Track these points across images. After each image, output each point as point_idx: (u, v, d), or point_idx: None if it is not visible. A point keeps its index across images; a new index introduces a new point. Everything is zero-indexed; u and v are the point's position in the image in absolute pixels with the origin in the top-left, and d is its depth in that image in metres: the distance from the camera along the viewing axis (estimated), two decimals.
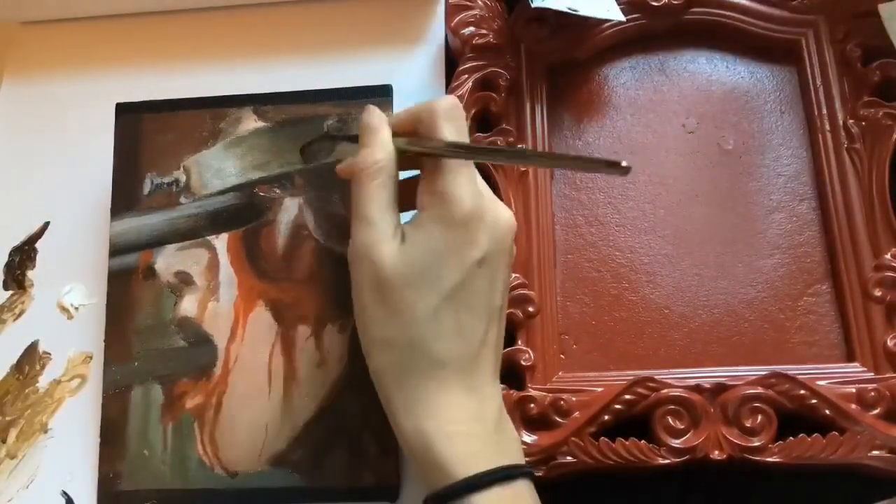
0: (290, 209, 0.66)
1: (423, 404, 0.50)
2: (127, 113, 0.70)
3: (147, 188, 0.68)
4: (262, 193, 0.66)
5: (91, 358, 0.67)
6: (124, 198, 0.68)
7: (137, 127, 0.69)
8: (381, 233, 0.51)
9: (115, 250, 0.67)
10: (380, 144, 0.54)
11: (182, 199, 0.67)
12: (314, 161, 0.66)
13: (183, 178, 0.67)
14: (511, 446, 0.52)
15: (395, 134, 0.55)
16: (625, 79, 0.71)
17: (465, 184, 0.51)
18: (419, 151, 0.53)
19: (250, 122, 0.68)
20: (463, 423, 0.50)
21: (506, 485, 0.49)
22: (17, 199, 0.73)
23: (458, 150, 0.51)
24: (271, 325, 0.64)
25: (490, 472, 0.48)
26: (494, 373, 0.54)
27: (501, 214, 0.53)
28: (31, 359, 0.68)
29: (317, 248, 0.65)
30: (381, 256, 0.51)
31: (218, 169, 0.67)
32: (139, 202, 0.67)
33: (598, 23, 0.70)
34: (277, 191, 0.66)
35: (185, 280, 0.65)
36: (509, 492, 0.49)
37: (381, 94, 0.67)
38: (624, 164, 0.45)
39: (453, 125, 0.53)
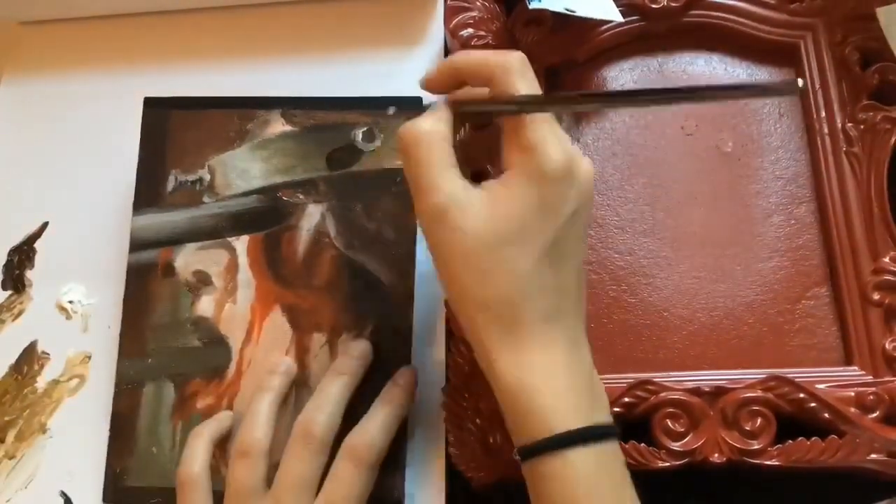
0: (312, 215, 0.66)
1: (528, 359, 0.50)
2: (154, 108, 0.70)
3: (171, 185, 0.68)
4: (285, 198, 0.66)
5: (90, 358, 0.68)
6: (147, 193, 0.68)
7: (164, 123, 0.69)
8: (449, 195, 0.51)
9: (135, 246, 0.67)
10: (431, 113, 0.54)
11: (205, 199, 0.67)
12: (340, 169, 0.66)
13: (207, 178, 0.67)
14: (602, 401, 0.52)
15: (462, 85, 0.55)
16: (623, 80, 0.71)
17: (554, 137, 0.51)
18: (504, 111, 0.52)
19: (278, 126, 0.68)
20: (565, 376, 0.50)
21: (599, 444, 0.49)
22: (15, 199, 0.73)
23: (558, 100, 0.51)
24: (286, 330, 0.64)
25: (587, 430, 0.49)
26: (584, 324, 0.53)
27: (585, 166, 0.53)
28: (29, 359, 0.68)
29: (337, 257, 0.65)
30: (460, 220, 0.50)
31: (243, 170, 0.67)
32: (162, 199, 0.67)
33: (596, 24, 0.70)
34: (301, 196, 0.66)
35: (203, 280, 0.66)
36: (601, 450, 0.49)
37: (411, 105, 0.67)
38: (800, 82, 0.43)
39: (528, 79, 0.52)
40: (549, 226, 0.50)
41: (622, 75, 0.71)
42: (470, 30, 0.69)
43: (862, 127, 0.65)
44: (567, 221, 0.51)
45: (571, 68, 0.71)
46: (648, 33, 0.71)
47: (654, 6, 0.69)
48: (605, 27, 0.70)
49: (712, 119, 0.69)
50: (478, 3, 0.70)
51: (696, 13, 0.70)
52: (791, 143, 0.67)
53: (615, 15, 0.68)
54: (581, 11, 0.67)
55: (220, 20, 0.77)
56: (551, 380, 0.50)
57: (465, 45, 0.69)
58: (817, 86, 0.67)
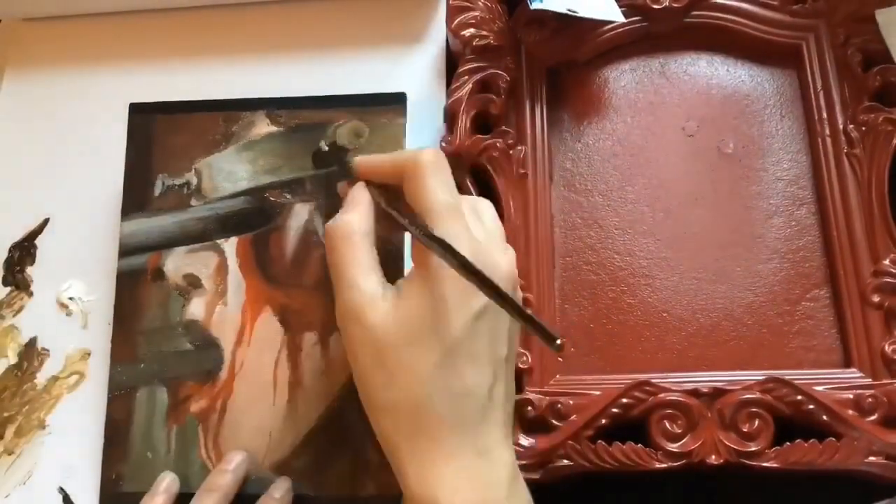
0: (300, 215, 0.66)
1: (434, 471, 0.49)
2: (140, 113, 0.70)
3: (158, 189, 0.68)
4: (272, 198, 0.66)
5: (89, 354, 0.68)
6: (135, 198, 0.68)
7: (150, 128, 0.69)
8: (366, 294, 0.51)
9: (125, 251, 0.67)
10: (356, 207, 0.54)
11: (193, 202, 0.67)
12: (326, 167, 0.66)
13: (194, 181, 0.67)
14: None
15: (380, 185, 0.56)
16: (625, 81, 0.71)
17: (460, 233, 0.50)
18: (399, 223, 0.53)
19: (263, 126, 0.68)
20: (474, 490, 0.48)
21: None
22: (17, 196, 0.73)
23: (433, 243, 0.50)
24: (278, 331, 0.64)
25: None
26: (505, 430, 0.52)
27: (499, 261, 0.52)
28: (29, 355, 0.68)
29: (326, 255, 0.65)
30: (371, 318, 0.50)
31: (229, 172, 0.67)
32: (150, 203, 0.67)
33: (598, 24, 0.70)
34: (288, 196, 0.66)
35: (193, 283, 0.65)
36: None
37: (395, 102, 0.67)
38: (559, 341, 0.45)
39: (439, 179, 0.52)
40: (451, 326, 0.49)
41: (623, 76, 0.71)
42: (472, 30, 0.69)
43: (863, 128, 0.64)
44: (473, 320, 0.50)
45: (573, 69, 0.71)
46: (650, 34, 0.71)
47: (655, 7, 0.69)
48: (606, 28, 0.70)
49: (713, 120, 0.68)
50: (480, 3, 0.70)
51: (698, 14, 0.70)
52: (792, 144, 0.67)
53: (617, 16, 0.68)
54: (583, 12, 0.67)
55: (225, 18, 0.77)
56: (456, 494, 0.48)
57: (467, 44, 0.69)
58: (819, 87, 0.67)
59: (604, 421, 0.59)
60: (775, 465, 0.56)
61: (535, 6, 0.67)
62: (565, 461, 0.58)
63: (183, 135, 0.68)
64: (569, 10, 0.66)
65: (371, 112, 0.67)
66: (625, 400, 0.59)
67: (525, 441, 0.59)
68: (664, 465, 0.57)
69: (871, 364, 0.59)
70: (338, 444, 0.61)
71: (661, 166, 0.68)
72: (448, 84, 0.70)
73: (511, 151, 0.66)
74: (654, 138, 0.69)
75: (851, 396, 0.58)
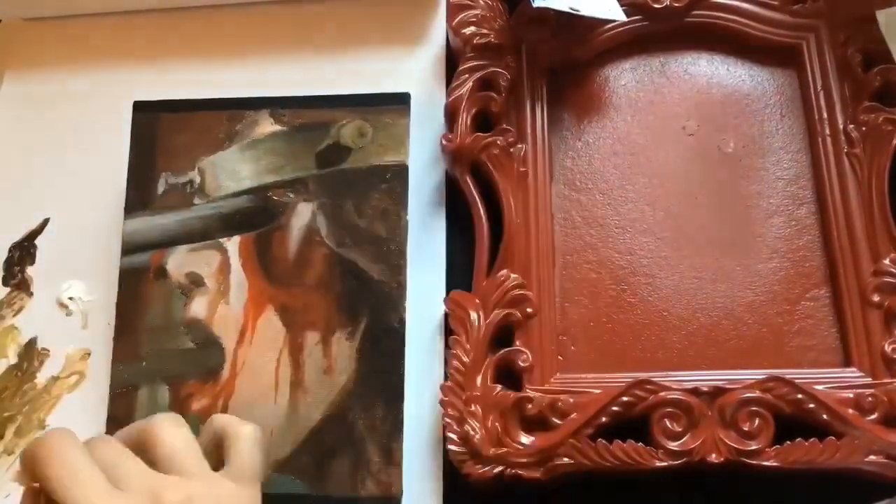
0: (302, 214, 0.66)
1: None
2: (143, 112, 0.70)
3: (161, 188, 0.68)
4: (275, 197, 0.66)
5: (89, 354, 0.68)
6: (138, 196, 0.68)
7: (153, 126, 0.69)
8: None
9: (127, 249, 0.67)
10: None
11: (196, 200, 0.67)
12: (328, 167, 0.66)
13: (197, 179, 0.67)
14: None
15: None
16: (625, 80, 0.71)
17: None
18: None
19: (267, 126, 0.68)
20: None
21: None
22: (17, 196, 0.73)
23: None
24: (280, 330, 0.64)
25: None
26: None
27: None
28: (29, 355, 0.68)
29: (328, 255, 0.65)
30: None
31: (232, 171, 0.67)
32: (153, 201, 0.68)
33: (599, 23, 0.70)
34: (291, 195, 0.66)
35: (195, 281, 0.65)
36: None
37: (398, 102, 0.67)
38: None
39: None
40: None
41: (624, 75, 0.71)
42: (472, 28, 0.69)
43: (864, 128, 0.64)
44: None
45: (573, 67, 0.71)
46: (651, 33, 0.71)
47: (656, 6, 0.69)
48: (607, 27, 0.70)
49: (714, 119, 0.68)
50: (481, 2, 0.70)
51: (699, 13, 0.70)
52: (792, 144, 0.67)
53: (619, 14, 0.68)
54: (585, 10, 0.67)
55: (228, 18, 0.77)
56: None
57: (468, 42, 0.69)
58: (819, 87, 0.67)
59: (604, 419, 0.58)
60: (775, 463, 0.56)
61: (537, 4, 0.67)
62: (565, 459, 0.58)
63: (186, 133, 0.69)
64: (571, 9, 0.66)
65: (375, 112, 0.67)
66: (625, 398, 0.59)
67: (525, 439, 0.59)
68: (664, 464, 0.57)
69: (870, 363, 0.59)
70: (339, 443, 0.61)
71: (661, 165, 0.68)
72: (448, 82, 0.70)
73: (511, 149, 0.66)
74: (655, 137, 0.69)
75: (851, 395, 0.58)
